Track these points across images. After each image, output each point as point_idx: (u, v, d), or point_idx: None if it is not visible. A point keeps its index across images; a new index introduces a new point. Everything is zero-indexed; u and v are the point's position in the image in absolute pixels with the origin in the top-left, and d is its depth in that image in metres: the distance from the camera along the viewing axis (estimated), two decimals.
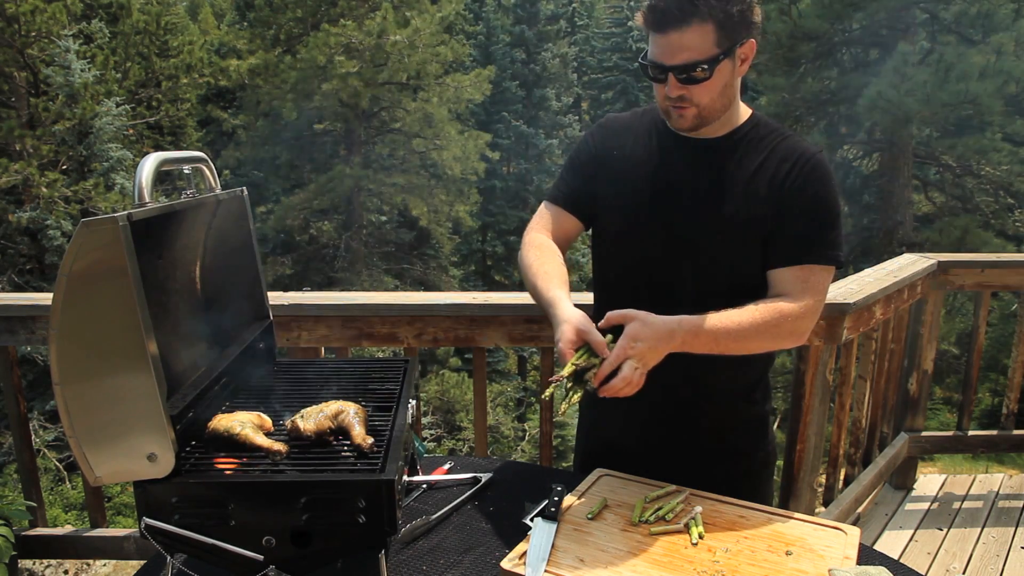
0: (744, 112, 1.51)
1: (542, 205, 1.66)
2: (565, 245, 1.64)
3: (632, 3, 30.31)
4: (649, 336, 1.30)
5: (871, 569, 1.20)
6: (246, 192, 1.65)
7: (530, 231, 1.63)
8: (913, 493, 3.50)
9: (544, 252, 1.56)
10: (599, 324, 1.35)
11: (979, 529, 3.18)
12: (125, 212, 1.06)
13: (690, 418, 1.59)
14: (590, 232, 1.67)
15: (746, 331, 1.38)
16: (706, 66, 1.33)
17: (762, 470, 1.67)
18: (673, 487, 1.45)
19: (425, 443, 1.74)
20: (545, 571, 1.20)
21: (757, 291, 1.48)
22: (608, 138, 1.59)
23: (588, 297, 2.15)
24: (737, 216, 1.44)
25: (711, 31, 1.31)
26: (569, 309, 1.38)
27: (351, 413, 1.28)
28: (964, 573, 2.88)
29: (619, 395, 1.29)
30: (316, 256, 17.65)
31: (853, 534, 1.30)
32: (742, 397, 1.61)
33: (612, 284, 1.63)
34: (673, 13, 1.30)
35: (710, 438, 1.59)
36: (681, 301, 1.44)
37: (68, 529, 2.78)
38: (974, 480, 3.60)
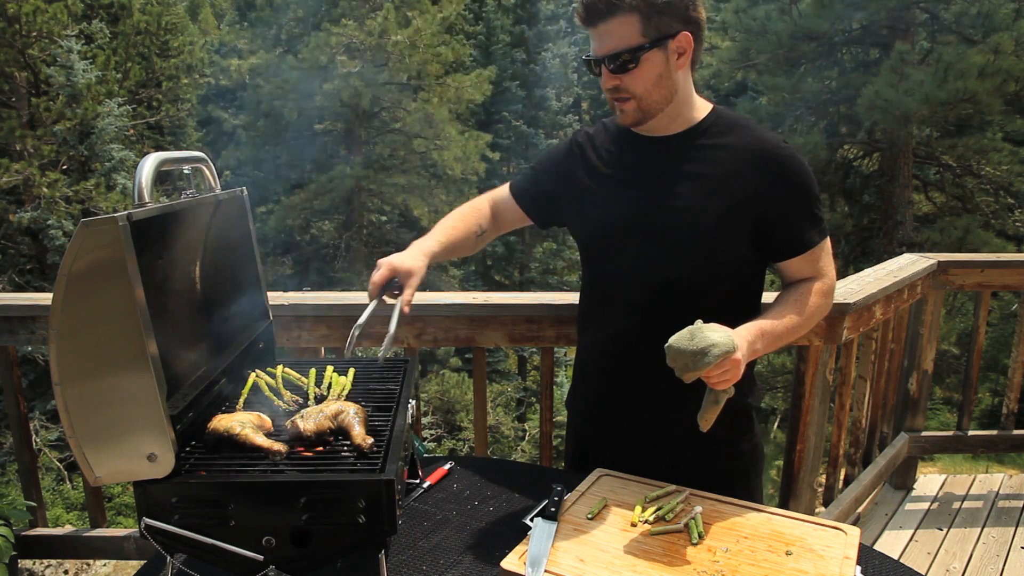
0: (703, 108, 1.54)
1: (505, 187, 1.79)
2: (500, 226, 1.79)
3: None
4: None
5: (704, 327, 1.27)
6: (246, 192, 1.65)
7: (479, 197, 1.80)
8: (913, 493, 3.50)
9: (464, 209, 1.75)
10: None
11: (979, 529, 3.18)
12: (125, 212, 1.06)
13: (671, 410, 1.57)
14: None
15: (799, 325, 1.49)
16: (631, 54, 1.40)
17: (748, 464, 1.67)
18: (673, 487, 1.45)
19: (425, 443, 1.75)
20: (545, 571, 1.20)
21: (738, 281, 1.56)
22: (579, 152, 1.66)
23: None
24: (704, 209, 1.46)
25: (636, 21, 1.39)
26: (410, 251, 1.55)
27: (351, 413, 1.28)
28: (964, 573, 2.87)
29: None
30: (316, 256, 17.65)
31: (853, 534, 1.30)
32: None
33: (593, 285, 1.69)
34: (598, 7, 1.40)
35: (692, 428, 1.55)
36: (658, 296, 1.49)
37: (68, 529, 2.78)
38: (974, 480, 3.60)
